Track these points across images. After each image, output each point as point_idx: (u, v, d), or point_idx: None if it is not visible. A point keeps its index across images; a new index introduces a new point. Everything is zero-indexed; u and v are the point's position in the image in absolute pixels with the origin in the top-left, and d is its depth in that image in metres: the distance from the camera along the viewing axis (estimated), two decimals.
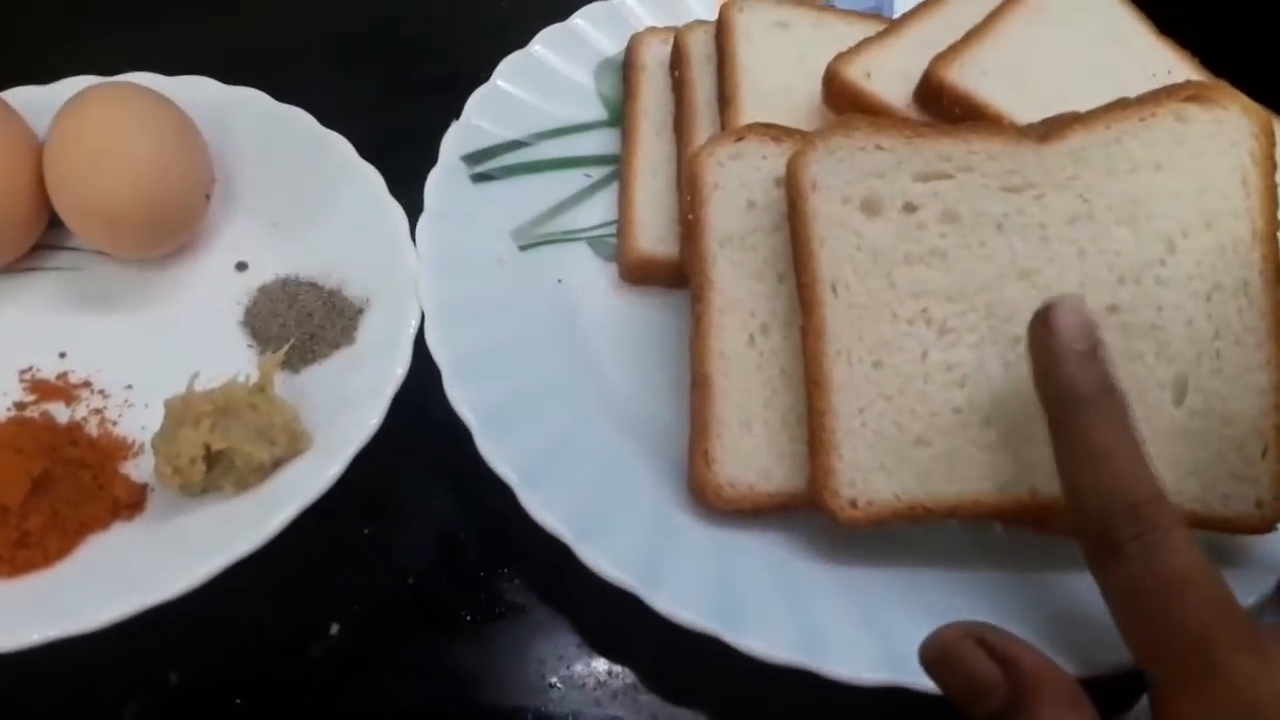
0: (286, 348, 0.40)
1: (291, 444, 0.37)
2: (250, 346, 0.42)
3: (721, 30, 0.47)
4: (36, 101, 0.44)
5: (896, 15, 0.51)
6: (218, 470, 0.36)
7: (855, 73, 0.43)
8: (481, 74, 0.49)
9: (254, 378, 0.39)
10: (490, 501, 0.37)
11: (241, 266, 0.44)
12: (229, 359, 0.41)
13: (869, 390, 0.36)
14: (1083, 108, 0.39)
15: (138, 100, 0.42)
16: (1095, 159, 0.37)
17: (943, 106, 0.42)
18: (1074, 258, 0.37)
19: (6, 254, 0.42)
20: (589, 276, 0.45)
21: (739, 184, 0.39)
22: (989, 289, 0.36)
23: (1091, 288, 0.36)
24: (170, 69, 0.47)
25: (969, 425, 0.36)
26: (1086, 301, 0.35)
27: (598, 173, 0.48)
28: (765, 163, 0.39)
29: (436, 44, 0.56)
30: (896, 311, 0.36)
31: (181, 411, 0.37)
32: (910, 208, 0.37)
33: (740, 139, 0.39)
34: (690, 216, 0.39)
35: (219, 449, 0.36)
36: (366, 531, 0.39)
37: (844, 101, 0.43)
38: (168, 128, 0.42)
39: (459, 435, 0.38)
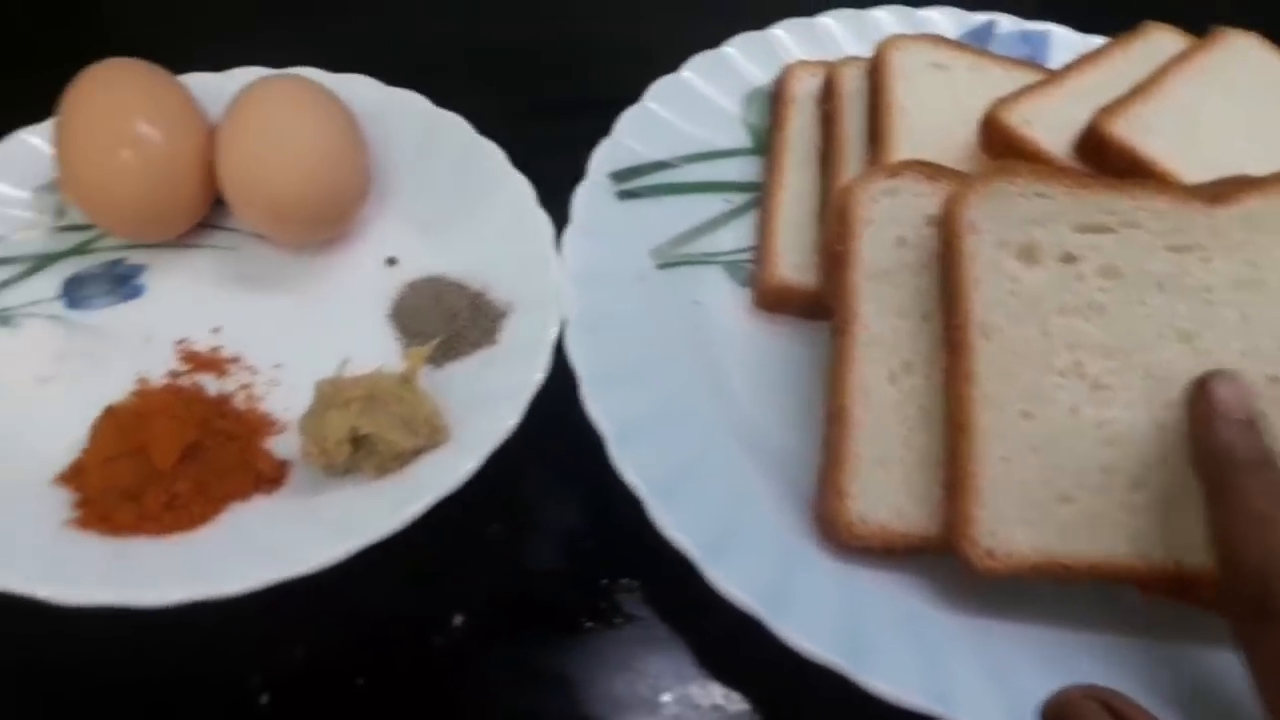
0: (435, 343, 0.41)
1: (432, 436, 0.38)
2: (397, 339, 0.43)
3: (878, 67, 0.47)
4: (208, 87, 0.46)
5: (1052, 64, 0.51)
6: (360, 454, 0.37)
7: (1015, 119, 0.43)
8: (625, 96, 0.50)
9: (399, 369, 0.40)
10: (618, 512, 0.37)
11: (391, 262, 0.46)
12: (375, 349, 0.43)
13: (1016, 440, 0.35)
14: (1251, 171, 0.38)
15: (309, 94, 0.44)
16: (1268, 225, 0.36)
17: (1105, 160, 0.41)
18: (1238, 324, 0.36)
19: (174, 229, 0.44)
20: (724, 300, 0.45)
21: (891, 220, 0.39)
22: (1147, 348, 0.36)
23: (1254, 356, 0.35)
24: (327, 68, 0.49)
25: (1116, 486, 0.35)
26: (1247, 370, 0.35)
27: (738, 199, 0.48)
28: (919, 200, 0.39)
29: (580, 65, 0.58)
30: (1049, 362, 0.35)
31: (331, 394, 0.38)
32: (1069, 258, 0.36)
33: (895, 175, 0.39)
34: (838, 248, 0.39)
35: (364, 434, 0.37)
36: (494, 528, 0.39)
37: (1001, 147, 0.43)
38: (336, 123, 0.43)
39: (591, 444, 0.38)
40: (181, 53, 0.47)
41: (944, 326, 0.37)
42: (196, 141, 0.43)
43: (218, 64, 0.49)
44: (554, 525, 0.40)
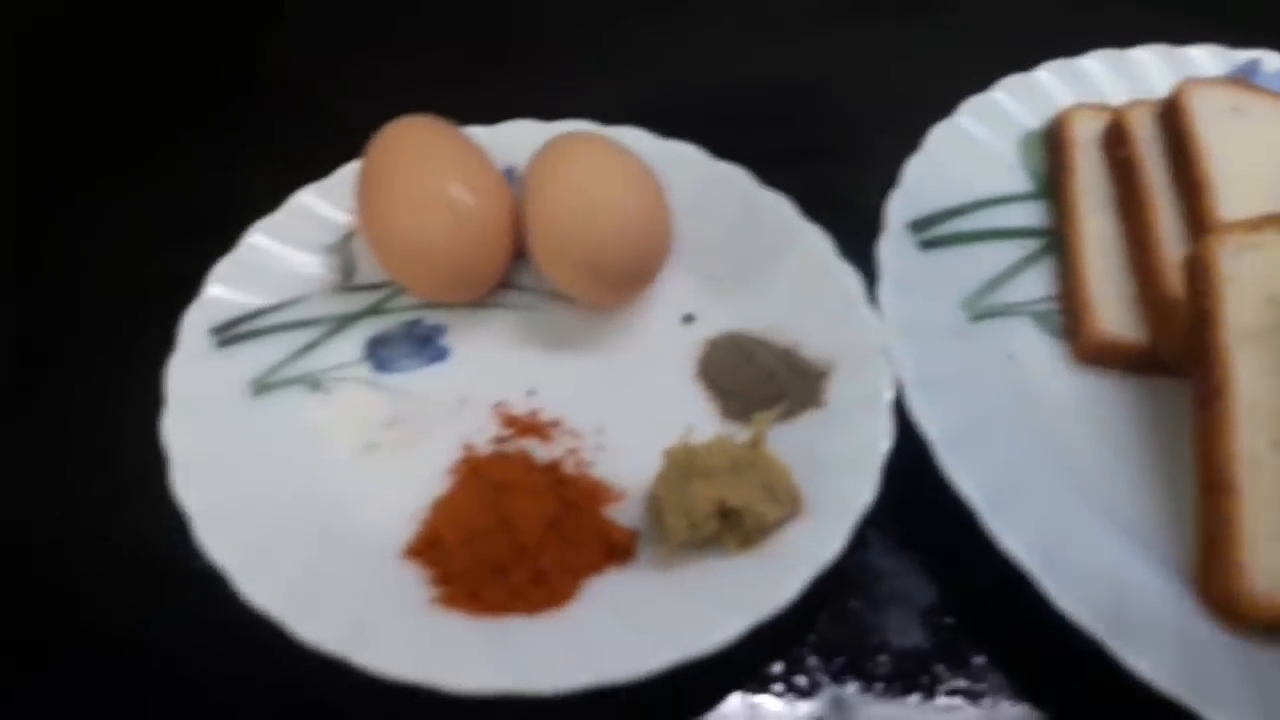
0: (780, 408, 0.39)
1: (791, 505, 0.37)
2: (709, 399, 0.42)
3: (1175, 113, 0.46)
4: (479, 140, 0.45)
5: None
6: (725, 525, 0.36)
7: None
8: (875, 143, 0.49)
9: (711, 431, 0.39)
10: (988, 582, 0.36)
11: (688, 319, 0.44)
12: (689, 409, 0.41)
13: None
14: None
15: (616, 152, 0.42)
16: None
17: None
18: None
19: (481, 290, 0.43)
20: (1040, 354, 0.43)
21: (1256, 278, 0.38)
22: None
23: None
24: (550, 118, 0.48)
25: None
26: None
27: (1031, 245, 0.47)
28: None
29: (821, 110, 0.56)
30: None
31: (687, 463, 0.37)
32: None
33: (1256, 230, 0.38)
34: (1198, 307, 0.38)
35: (732, 505, 0.36)
36: (853, 603, 0.38)
37: None
38: (644, 181, 0.42)
39: (944, 509, 0.37)
40: (422, 106, 0.46)
41: None
42: (502, 201, 0.42)
43: (459, 117, 0.48)
44: (913, 595, 0.38)
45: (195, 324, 0.40)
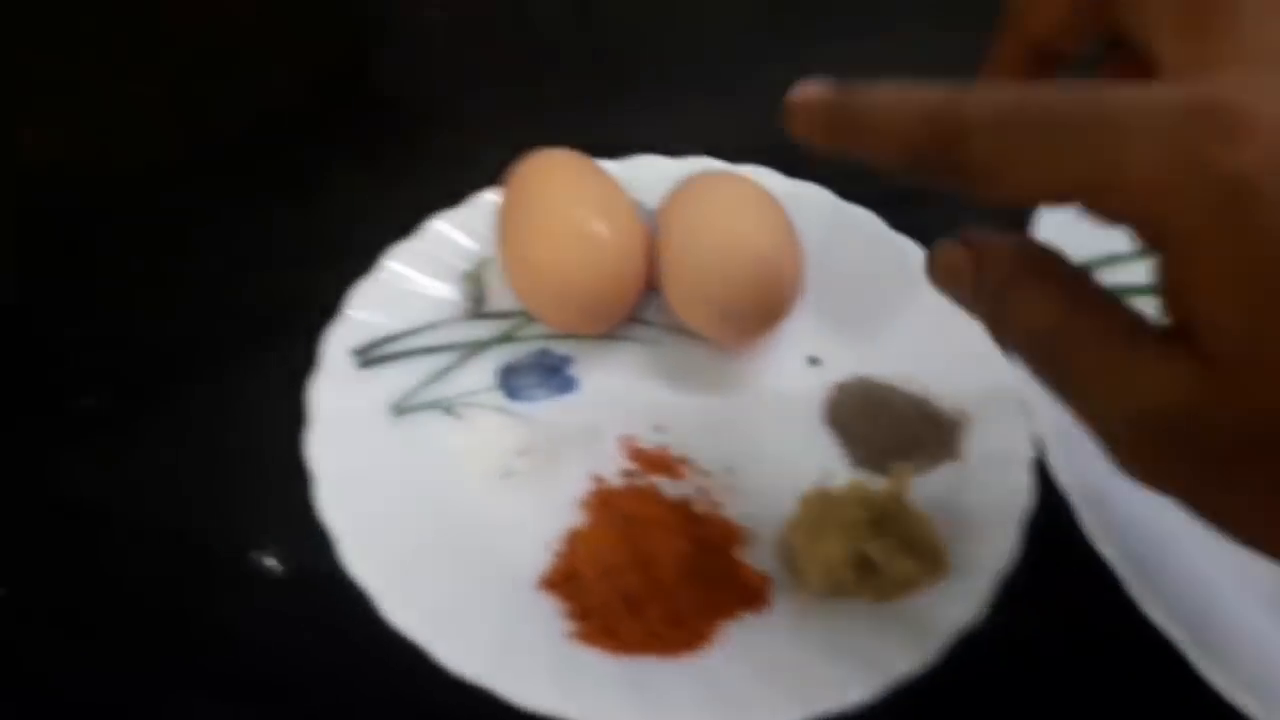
0: (923, 462, 0.39)
1: (933, 562, 0.36)
2: (838, 445, 0.42)
3: None
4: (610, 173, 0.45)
5: None
6: (861, 578, 0.36)
7: None
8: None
9: (842, 478, 0.39)
10: (1129, 650, 0.35)
11: (814, 361, 0.44)
12: (817, 454, 0.41)
13: None
14: None
15: (754, 192, 0.43)
16: None
17: None
18: None
19: (612, 323, 0.43)
20: None
21: None
22: None
23: None
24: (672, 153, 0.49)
25: None
26: None
27: None
28: None
29: None
30: None
31: (825, 511, 0.36)
32: None
33: None
34: None
35: (872, 559, 0.35)
36: (987, 669, 0.37)
37: None
38: (779, 222, 0.42)
39: (1088, 571, 0.36)
40: (540, 136, 0.46)
41: None
42: (636, 236, 0.43)
43: (581, 148, 0.48)
44: (1057, 663, 0.37)
45: (337, 345, 0.41)
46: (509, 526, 0.38)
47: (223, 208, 0.50)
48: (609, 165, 0.47)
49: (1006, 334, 0.25)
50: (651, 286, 0.44)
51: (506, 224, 0.43)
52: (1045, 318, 0.23)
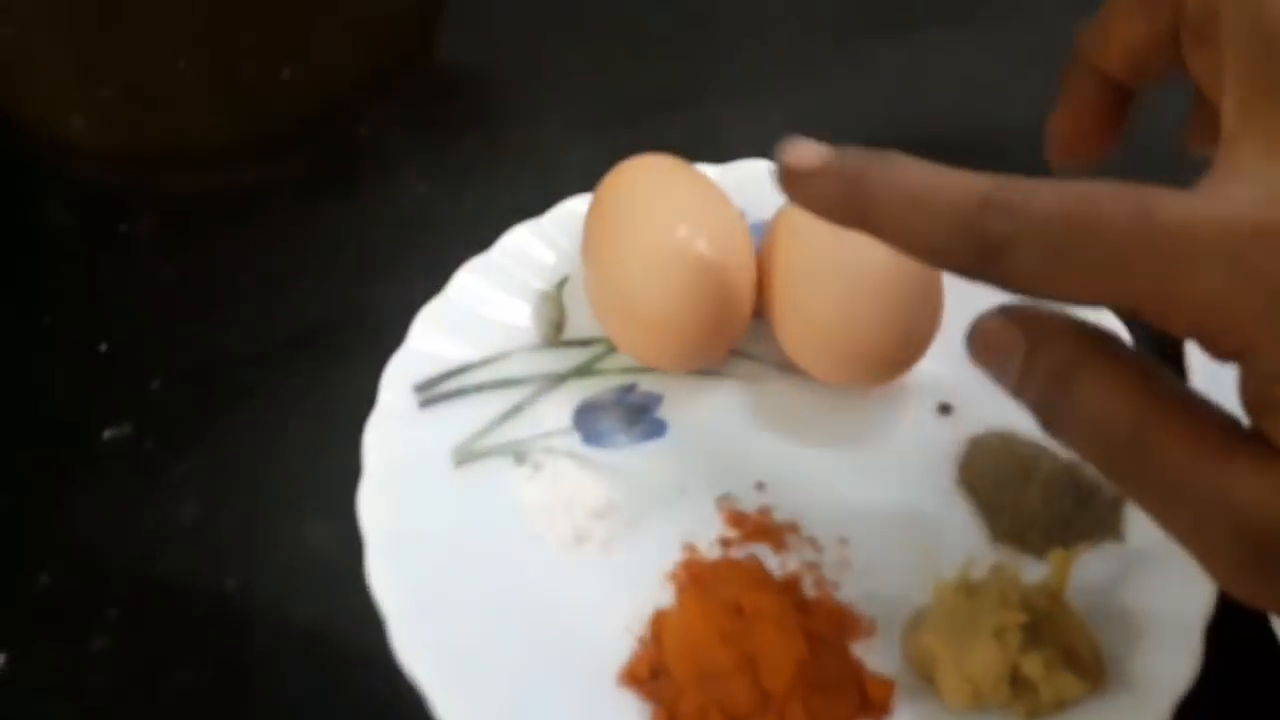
0: (1086, 546, 0.33)
1: (1096, 676, 0.30)
2: (973, 514, 0.35)
3: None
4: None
5: None
6: (1013, 692, 0.30)
7: None
8: None
9: (980, 556, 0.33)
10: None
11: (945, 409, 0.38)
12: (949, 525, 0.35)
13: None
14: None
15: None
16: None
17: None
18: None
19: (713, 359, 0.37)
20: None
21: None
22: None
23: None
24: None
25: None
26: None
27: None
28: None
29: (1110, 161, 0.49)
30: None
31: (969, 611, 0.30)
32: None
33: None
34: None
35: (1027, 674, 0.29)
36: None
37: None
38: None
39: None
40: (629, 135, 0.41)
41: None
42: (744, 256, 0.37)
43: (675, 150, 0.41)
44: None
45: (398, 378, 0.36)
46: (586, 604, 0.33)
47: (270, 204, 0.45)
48: (711, 170, 0.40)
49: (1066, 428, 0.23)
50: (758, 314, 0.38)
51: (593, 238, 0.37)
52: (1120, 414, 0.21)
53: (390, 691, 0.30)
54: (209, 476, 0.37)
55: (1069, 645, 0.30)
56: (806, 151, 0.23)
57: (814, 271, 0.35)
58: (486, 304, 0.38)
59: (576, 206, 0.40)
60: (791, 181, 0.24)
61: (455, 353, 0.37)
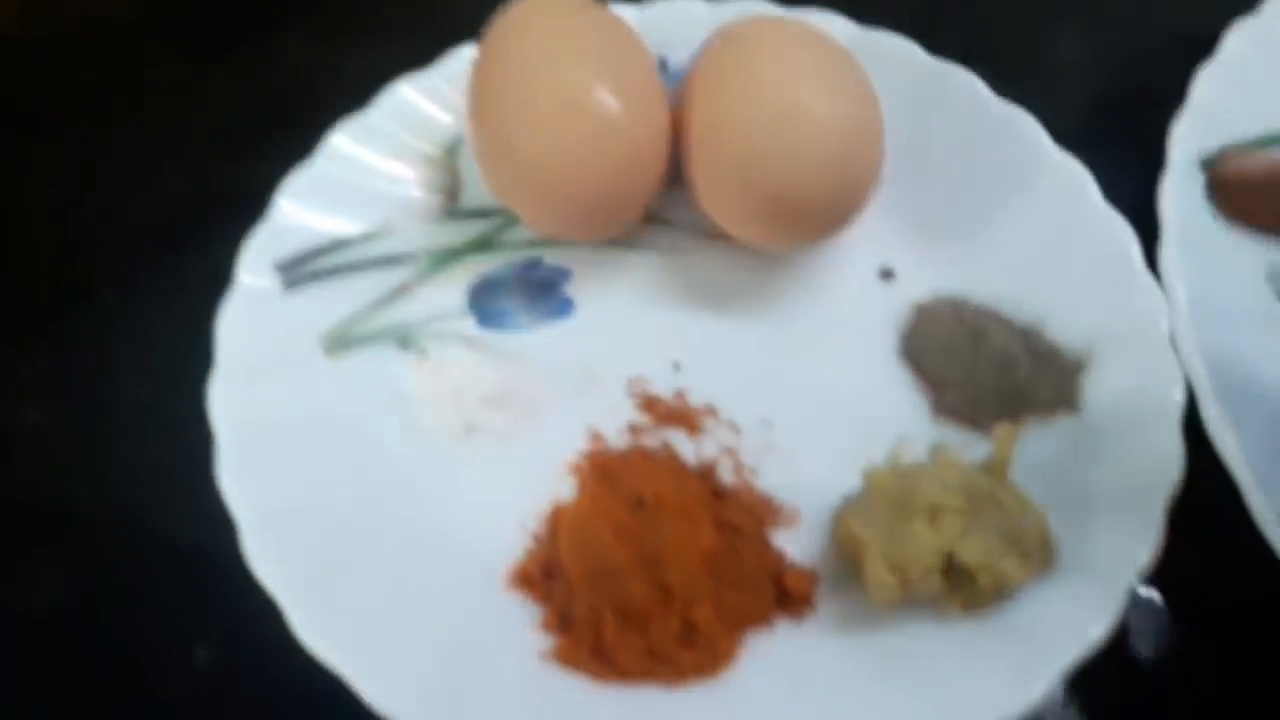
0: (1040, 418, 0.29)
1: (1042, 560, 0.27)
2: (916, 390, 0.32)
3: None
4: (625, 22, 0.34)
5: None
6: (948, 584, 0.26)
7: None
8: (1155, 46, 0.37)
9: (921, 436, 0.29)
10: None
11: (886, 275, 0.34)
12: (889, 401, 0.31)
13: None
14: None
15: (819, 44, 0.31)
16: None
17: None
18: None
19: (619, 225, 0.33)
20: None
21: None
22: None
23: None
24: None
25: None
26: None
27: None
28: None
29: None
30: None
31: (900, 494, 0.27)
32: None
33: None
34: None
35: (963, 562, 0.26)
36: (1113, 700, 0.28)
37: None
38: (853, 83, 0.31)
39: (1254, 570, 0.27)
40: None
41: None
42: (657, 108, 0.32)
43: None
44: (1211, 696, 0.28)
45: (258, 257, 0.31)
46: (472, 501, 0.29)
47: (130, 76, 0.40)
48: (629, 11, 0.35)
49: None
50: (674, 176, 0.33)
51: (480, 91, 0.32)
52: None
53: (255, 603, 0.27)
54: (57, 378, 0.33)
55: (1013, 529, 0.26)
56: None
57: (735, 111, 0.30)
58: (364, 171, 0.34)
59: (470, 55, 0.35)
60: None
61: (327, 226, 0.33)
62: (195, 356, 0.30)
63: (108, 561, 0.30)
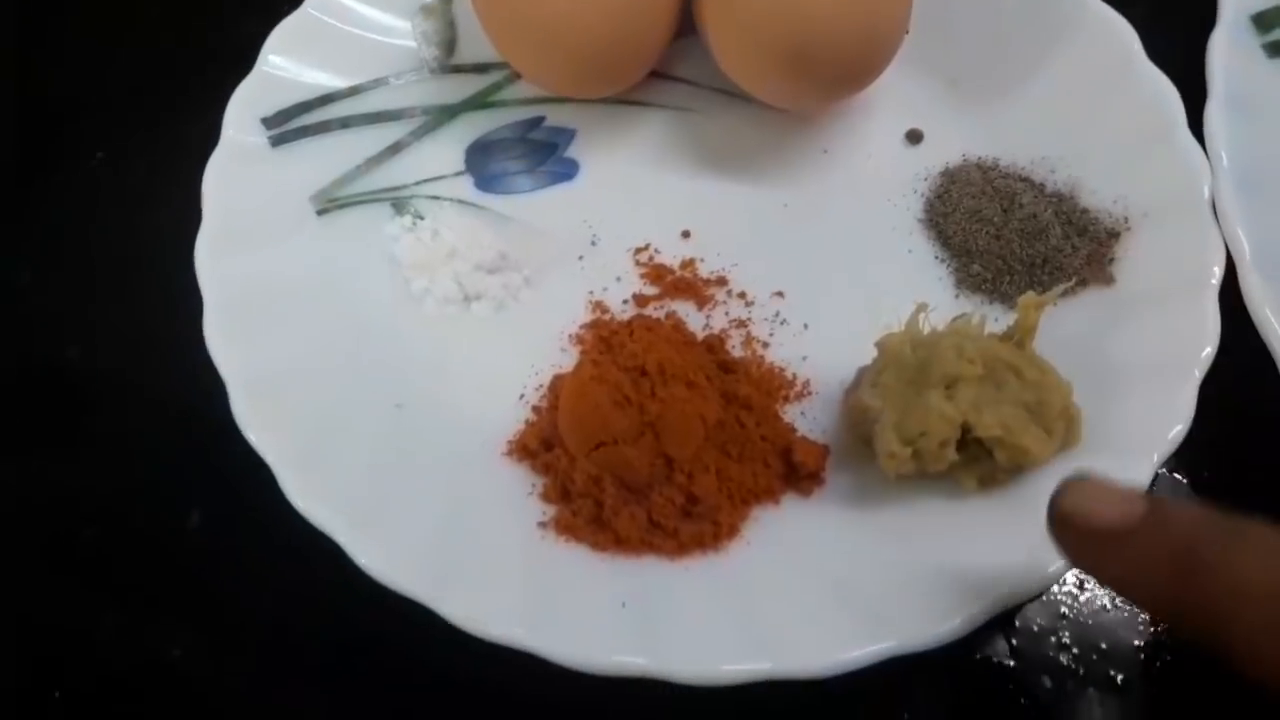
0: (1063, 288, 0.27)
1: (1067, 435, 0.25)
2: (940, 261, 0.30)
3: None
4: None
5: None
6: (964, 457, 0.25)
7: None
8: None
9: (944, 309, 0.28)
10: None
11: (914, 137, 0.32)
12: (909, 272, 0.30)
13: None
14: None
15: None
16: None
17: None
18: None
19: (625, 80, 0.31)
20: None
21: None
22: None
23: None
24: None
25: None
26: None
27: None
28: None
29: None
30: None
31: (916, 363, 0.25)
32: None
33: None
34: None
35: (980, 435, 0.25)
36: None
37: None
38: None
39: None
40: None
41: None
42: None
43: None
44: None
45: (244, 112, 0.30)
46: (469, 371, 0.28)
47: None
48: None
49: None
50: (686, 25, 0.31)
51: None
52: None
53: (247, 465, 0.26)
54: (44, 239, 0.32)
55: (1035, 402, 0.25)
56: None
57: None
58: (356, 20, 0.32)
59: None
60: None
61: (316, 79, 0.31)
62: (188, 217, 0.29)
63: (101, 424, 0.29)
